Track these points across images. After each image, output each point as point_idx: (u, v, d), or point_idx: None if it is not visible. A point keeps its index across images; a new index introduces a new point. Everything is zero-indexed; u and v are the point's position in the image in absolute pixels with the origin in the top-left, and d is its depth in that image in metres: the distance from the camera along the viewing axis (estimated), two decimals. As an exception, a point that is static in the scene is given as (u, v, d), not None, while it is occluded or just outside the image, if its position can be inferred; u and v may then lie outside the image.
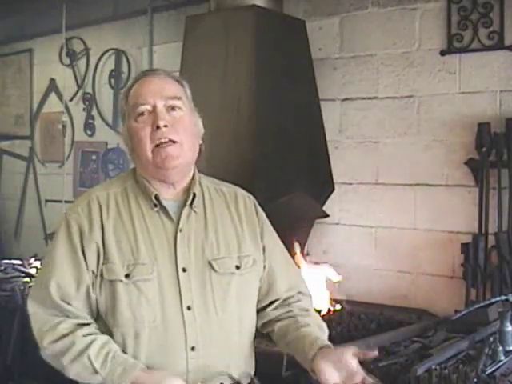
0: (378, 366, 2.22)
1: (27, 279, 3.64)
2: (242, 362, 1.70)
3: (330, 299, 3.18)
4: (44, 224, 5.09)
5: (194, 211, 1.68)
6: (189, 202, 1.67)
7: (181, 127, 1.63)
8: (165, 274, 1.61)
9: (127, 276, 1.58)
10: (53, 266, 1.61)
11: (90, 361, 1.53)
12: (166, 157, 1.60)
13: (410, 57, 3.26)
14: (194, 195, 1.68)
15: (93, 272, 1.60)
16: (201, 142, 1.72)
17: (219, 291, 1.64)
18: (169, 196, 1.68)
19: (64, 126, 4.59)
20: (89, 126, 4.77)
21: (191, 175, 1.72)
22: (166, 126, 1.60)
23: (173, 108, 1.64)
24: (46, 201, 5.08)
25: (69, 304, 1.58)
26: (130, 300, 1.58)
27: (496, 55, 3.00)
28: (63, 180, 4.70)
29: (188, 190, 1.69)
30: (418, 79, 3.23)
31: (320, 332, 1.72)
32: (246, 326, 1.72)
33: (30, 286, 3.45)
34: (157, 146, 1.60)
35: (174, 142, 1.61)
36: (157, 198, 1.65)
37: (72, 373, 1.56)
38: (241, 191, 1.81)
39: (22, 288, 3.43)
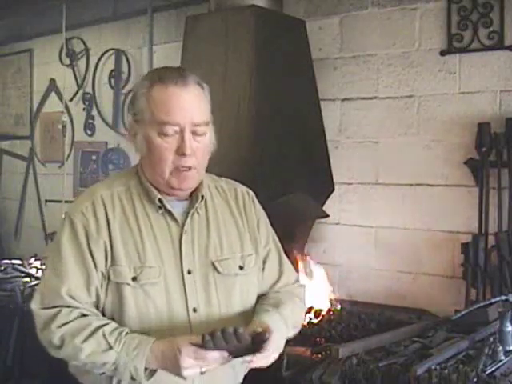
0: (378, 366, 2.22)
1: (27, 279, 3.64)
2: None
3: (330, 299, 3.19)
4: (44, 224, 5.09)
5: (198, 212, 1.68)
6: (197, 204, 1.67)
7: (201, 154, 1.62)
8: (171, 276, 1.60)
9: (134, 279, 1.57)
10: (61, 273, 1.56)
11: (105, 337, 1.50)
12: (183, 181, 1.60)
13: (410, 57, 3.26)
14: (203, 198, 1.68)
15: (102, 273, 1.58)
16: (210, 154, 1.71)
17: (224, 292, 1.65)
18: (172, 197, 1.68)
19: (64, 126, 4.59)
20: (89, 126, 4.77)
21: None
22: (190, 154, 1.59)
23: (199, 133, 1.61)
24: (46, 201, 5.08)
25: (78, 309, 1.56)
26: (137, 304, 1.57)
27: (496, 55, 3.00)
28: (63, 180, 4.69)
29: (193, 192, 1.68)
30: (418, 79, 3.23)
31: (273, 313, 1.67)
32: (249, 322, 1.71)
33: (30, 287, 3.45)
34: (176, 168, 1.59)
35: (192, 168, 1.61)
36: (160, 201, 1.64)
37: (85, 352, 1.50)
38: (240, 187, 1.82)
39: (21, 288, 3.43)
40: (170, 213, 1.64)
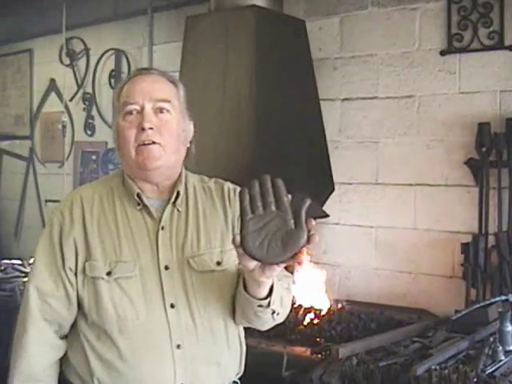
0: (378, 366, 2.22)
1: (27, 279, 3.64)
2: (230, 357, 1.70)
3: (330, 299, 3.19)
4: (44, 224, 5.09)
5: (178, 210, 1.68)
6: (172, 200, 1.67)
7: (166, 131, 1.63)
8: (147, 271, 1.61)
9: (109, 274, 1.59)
10: (35, 267, 1.70)
11: None
12: (147, 156, 1.60)
13: (410, 57, 3.26)
14: (178, 193, 1.68)
15: (70, 269, 1.62)
16: (188, 145, 1.72)
17: (201, 289, 1.63)
18: (153, 194, 1.68)
19: (64, 126, 4.59)
20: (89, 126, 4.77)
21: (177, 175, 1.71)
22: (151, 129, 1.61)
23: (161, 110, 1.64)
24: (46, 201, 5.08)
25: (46, 302, 1.67)
26: (113, 298, 1.58)
27: (496, 55, 3.00)
28: (63, 180, 4.70)
29: (173, 188, 1.69)
30: (418, 79, 3.23)
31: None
32: (232, 321, 1.69)
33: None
34: (139, 145, 1.62)
35: (156, 143, 1.62)
36: (139, 196, 1.65)
37: None
38: (228, 184, 1.80)
39: (21, 288, 3.43)
40: (147, 208, 1.66)
